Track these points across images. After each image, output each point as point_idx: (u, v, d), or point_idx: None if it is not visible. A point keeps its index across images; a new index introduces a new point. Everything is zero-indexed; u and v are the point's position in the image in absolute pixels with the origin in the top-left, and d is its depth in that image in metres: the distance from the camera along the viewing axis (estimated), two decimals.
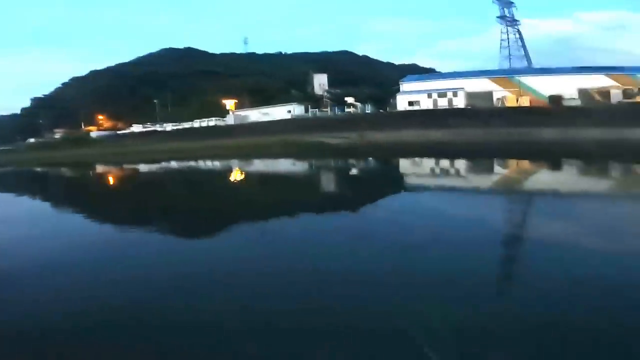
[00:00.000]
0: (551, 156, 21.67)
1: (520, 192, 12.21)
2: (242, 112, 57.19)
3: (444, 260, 5.81)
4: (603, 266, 5.24)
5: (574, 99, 39.05)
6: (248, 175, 21.09)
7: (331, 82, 62.35)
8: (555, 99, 38.53)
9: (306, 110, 52.17)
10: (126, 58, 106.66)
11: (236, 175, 21.40)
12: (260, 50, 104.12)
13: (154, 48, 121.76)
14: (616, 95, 38.09)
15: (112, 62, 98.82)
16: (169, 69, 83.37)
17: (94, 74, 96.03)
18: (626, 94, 37.25)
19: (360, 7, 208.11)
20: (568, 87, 40.56)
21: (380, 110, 49.27)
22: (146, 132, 58.14)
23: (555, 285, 4.64)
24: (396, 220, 8.68)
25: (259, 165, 26.59)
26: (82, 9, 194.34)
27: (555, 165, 17.87)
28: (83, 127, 69.18)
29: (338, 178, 18.64)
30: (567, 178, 14.44)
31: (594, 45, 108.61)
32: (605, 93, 39.06)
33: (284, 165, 25.66)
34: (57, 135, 67.17)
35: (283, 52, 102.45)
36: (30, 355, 3.80)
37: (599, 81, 40.88)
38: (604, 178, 14.18)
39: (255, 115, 55.06)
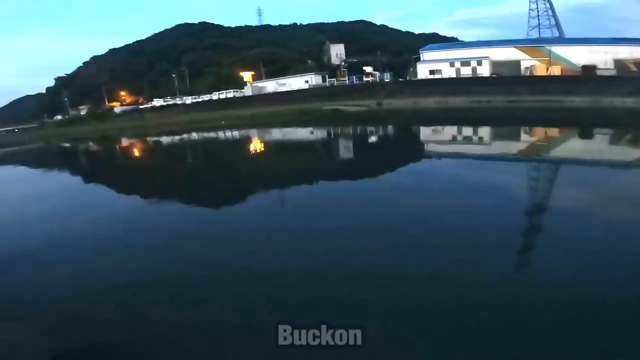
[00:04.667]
0: (580, 124, 20.65)
1: (542, 160, 11.62)
2: (260, 84, 57.01)
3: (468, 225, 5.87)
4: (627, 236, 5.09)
5: (609, 69, 36.81)
6: (269, 144, 21.30)
7: (348, 52, 60.70)
8: (589, 69, 36.44)
9: (323, 80, 51.45)
10: (143, 35, 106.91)
11: (258, 145, 21.68)
12: (274, 21, 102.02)
13: (169, 24, 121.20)
14: None
15: (129, 40, 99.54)
16: (185, 44, 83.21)
17: (112, 52, 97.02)
18: None
19: None
20: (603, 58, 38.14)
21: (400, 79, 47.98)
22: (167, 105, 59.14)
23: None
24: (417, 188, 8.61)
25: (278, 133, 26.75)
26: None
27: (584, 133, 16.90)
28: (106, 103, 70.85)
29: (354, 145, 18.58)
30: (595, 146, 13.78)
31: (627, 17, 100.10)
32: None
33: (303, 133, 25.73)
34: (82, 111, 69.21)
35: (298, 23, 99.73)
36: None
37: (636, 52, 38.24)
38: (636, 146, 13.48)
39: (273, 86, 54.80)
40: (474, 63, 44.78)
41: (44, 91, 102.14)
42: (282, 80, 54.43)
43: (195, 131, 31.87)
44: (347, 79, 50.35)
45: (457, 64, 45.39)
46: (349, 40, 64.80)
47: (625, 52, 38.18)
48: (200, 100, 57.62)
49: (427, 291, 4.05)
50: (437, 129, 21.77)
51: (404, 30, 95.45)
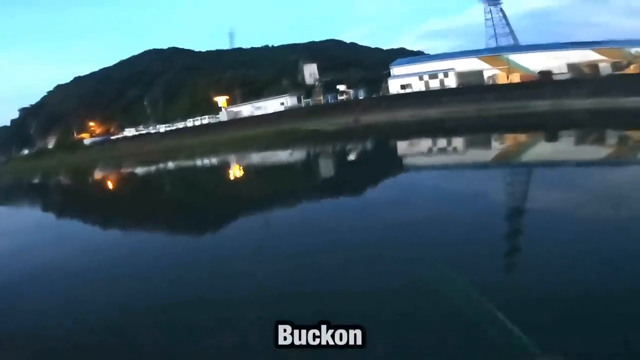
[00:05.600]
0: (552, 127, 21.77)
1: (519, 163, 12.22)
2: (235, 108, 56.95)
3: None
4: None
5: (564, 73, 39.49)
6: (249, 169, 21.14)
7: (321, 71, 62.16)
8: (545, 74, 39.00)
9: (299, 101, 52.22)
10: (109, 62, 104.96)
11: (238, 170, 21.48)
12: (246, 45, 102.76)
13: (136, 51, 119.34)
14: (605, 68, 38.56)
15: (94, 68, 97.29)
16: (156, 68, 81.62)
17: (78, 80, 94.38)
18: (615, 66, 37.74)
19: None
20: (556, 63, 40.99)
21: (374, 95, 49.44)
22: (139, 135, 57.90)
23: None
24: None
25: (258, 157, 26.62)
26: (58, 11, 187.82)
27: (551, 135, 17.87)
28: (75, 134, 68.50)
29: (338, 163, 18.77)
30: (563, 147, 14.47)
31: (576, 20, 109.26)
32: (594, 67, 39.52)
33: (282, 155, 25.74)
34: (50, 144, 66.81)
35: (270, 45, 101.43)
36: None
37: (587, 56, 41.27)
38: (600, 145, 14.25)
39: (248, 109, 54.94)
40: (441, 75, 46.90)
41: (8, 124, 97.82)
42: (257, 104, 54.72)
43: (171, 160, 31.27)
44: (322, 97, 51.37)
45: (426, 77, 47.38)
46: (322, 59, 66.28)
47: (578, 56, 41.13)
48: (174, 128, 56.82)
49: (423, 294, 4.07)
50: (417, 141, 22.37)
51: (372, 46, 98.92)
